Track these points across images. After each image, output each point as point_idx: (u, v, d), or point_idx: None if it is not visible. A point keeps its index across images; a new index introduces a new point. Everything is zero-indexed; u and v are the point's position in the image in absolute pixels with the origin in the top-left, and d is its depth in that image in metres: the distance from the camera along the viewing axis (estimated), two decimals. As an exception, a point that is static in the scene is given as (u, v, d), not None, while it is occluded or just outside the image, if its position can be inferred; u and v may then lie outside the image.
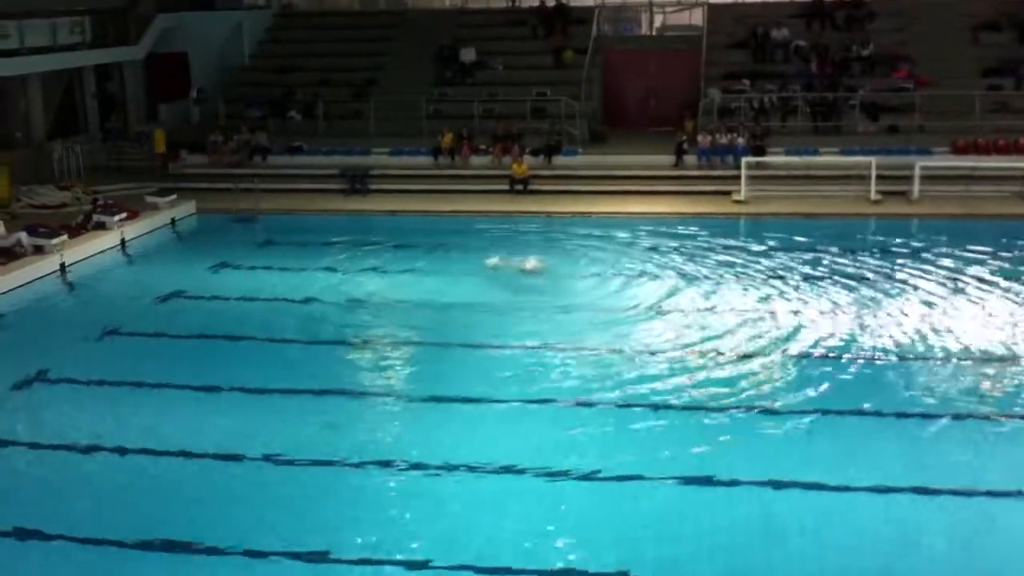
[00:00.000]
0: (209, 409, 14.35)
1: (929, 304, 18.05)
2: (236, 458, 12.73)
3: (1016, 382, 14.77)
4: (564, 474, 12.14)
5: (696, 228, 23.79)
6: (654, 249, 22.10)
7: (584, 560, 10.43)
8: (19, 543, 10.98)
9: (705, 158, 28.03)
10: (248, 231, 25.07)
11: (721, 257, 21.37)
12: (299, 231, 24.82)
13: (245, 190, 26.31)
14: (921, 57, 30.17)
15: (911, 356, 15.74)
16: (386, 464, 12.48)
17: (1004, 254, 20.99)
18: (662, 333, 16.95)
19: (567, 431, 13.38)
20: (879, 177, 25.36)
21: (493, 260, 21.21)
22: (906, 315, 17.47)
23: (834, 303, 18.21)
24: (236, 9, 35.05)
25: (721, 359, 15.68)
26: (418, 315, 18.50)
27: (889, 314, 17.55)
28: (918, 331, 16.65)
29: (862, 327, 16.90)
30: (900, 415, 13.58)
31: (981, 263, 20.38)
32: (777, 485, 11.69)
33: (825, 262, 20.77)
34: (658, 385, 14.72)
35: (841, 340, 16.33)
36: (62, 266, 21.53)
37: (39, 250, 21.52)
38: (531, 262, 20.93)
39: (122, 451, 13.01)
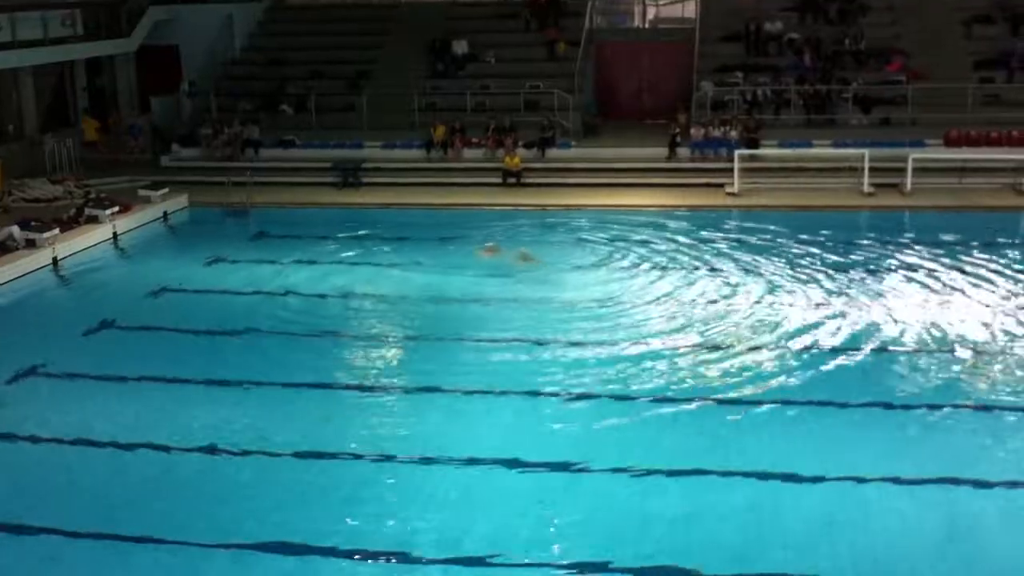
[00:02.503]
0: (202, 402, 14.31)
1: (922, 296, 18.08)
2: (230, 451, 12.71)
3: (1012, 372, 14.79)
4: (563, 467, 12.15)
5: (689, 220, 23.81)
6: (647, 242, 22.09)
7: (587, 555, 10.41)
8: (15, 537, 10.94)
9: (698, 151, 28.07)
10: (240, 224, 24.99)
11: (714, 249, 21.38)
12: (292, 224, 24.75)
13: (237, 183, 26.25)
14: (914, 50, 30.22)
15: (906, 348, 15.75)
16: (383, 458, 12.48)
17: (997, 246, 21.02)
18: (655, 325, 16.96)
19: (561, 424, 13.39)
20: (872, 169, 25.37)
21: (488, 247, 21.41)
22: (900, 307, 17.48)
23: (827, 295, 18.23)
24: (227, 2, 34.90)
25: (714, 351, 15.70)
26: (411, 308, 18.50)
27: (882, 306, 17.56)
28: (912, 323, 16.66)
29: (856, 319, 16.91)
30: (888, 406, 13.62)
31: (974, 255, 20.40)
32: (783, 477, 11.74)
33: (818, 254, 20.77)
34: (653, 377, 14.74)
35: (835, 332, 16.35)
36: (54, 260, 21.48)
37: (31, 244, 21.49)
38: (523, 254, 20.93)
39: (114, 445, 12.98)
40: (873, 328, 16.49)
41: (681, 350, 15.78)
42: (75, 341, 17.00)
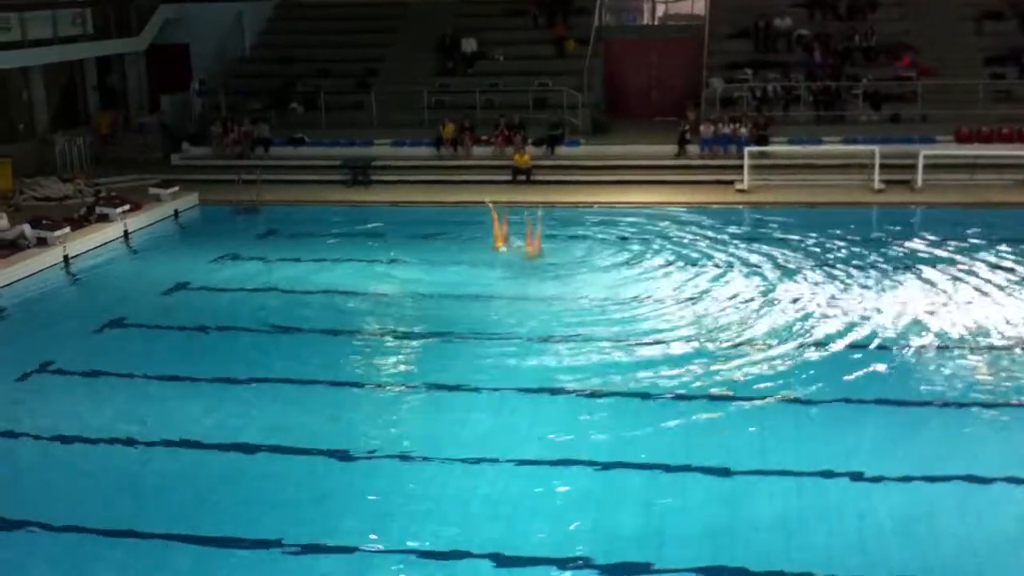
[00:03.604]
0: (212, 400, 14.34)
1: (932, 293, 18.02)
2: (240, 448, 12.74)
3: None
4: (569, 463, 12.16)
5: (699, 218, 23.78)
6: (657, 239, 22.07)
7: (594, 552, 10.40)
8: (22, 534, 10.99)
9: (708, 148, 28.04)
10: (250, 223, 25.05)
11: (724, 246, 21.34)
12: (301, 222, 24.80)
13: (247, 182, 26.32)
14: (924, 46, 30.14)
15: (916, 345, 15.70)
16: (390, 456, 12.50)
17: (1007, 242, 20.94)
18: (665, 322, 16.93)
19: (571, 421, 13.38)
20: (882, 166, 25.32)
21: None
22: (909, 304, 17.44)
23: (837, 292, 18.18)
24: (237, 0, 35.00)
25: (724, 348, 15.67)
26: (421, 305, 18.50)
27: (892, 303, 17.51)
28: (922, 320, 16.63)
29: (865, 316, 16.87)
30: (903, 403, 13.61)
31: (984, 251, 20.34)
32: (792, 475, 11.73)
33: (828, 251, 20.74)
34: (661, 374, 14.70)
35: (844, 329, 16.30)
36: (65, 258, 21.56)
37: (42, 242, 21.57)
38: (531, 241, 20.98)
39: (125, 442, 13.02)
40: (881, 325, 16.43)
41: (691, 347, 15.76)
42: (86, 339, 17.06)
